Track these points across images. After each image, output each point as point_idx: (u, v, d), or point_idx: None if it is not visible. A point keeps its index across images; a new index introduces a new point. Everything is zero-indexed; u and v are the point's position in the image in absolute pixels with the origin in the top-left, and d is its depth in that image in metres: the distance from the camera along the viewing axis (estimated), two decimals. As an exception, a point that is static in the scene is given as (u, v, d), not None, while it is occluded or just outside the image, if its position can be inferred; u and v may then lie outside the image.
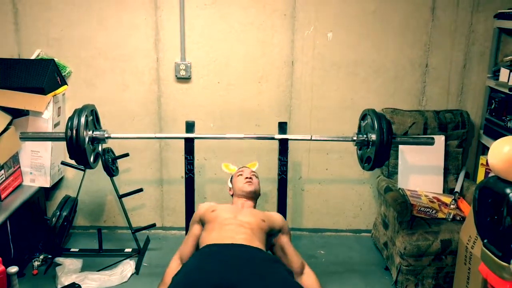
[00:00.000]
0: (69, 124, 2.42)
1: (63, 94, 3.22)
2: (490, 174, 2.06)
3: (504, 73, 3.05)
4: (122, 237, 3.47)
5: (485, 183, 1.98)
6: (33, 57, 3.17)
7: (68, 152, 2.47)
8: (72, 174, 3.41)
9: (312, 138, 2.75)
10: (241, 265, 1.93)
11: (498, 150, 1.89)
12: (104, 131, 2.57)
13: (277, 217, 2.50)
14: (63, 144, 2.52)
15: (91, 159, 2.55)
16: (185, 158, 2.70)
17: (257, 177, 2.69)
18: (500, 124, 3.10)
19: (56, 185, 3.42)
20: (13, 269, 2.08)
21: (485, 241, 1.99)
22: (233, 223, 2.28)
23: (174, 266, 2.37)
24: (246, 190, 2.54)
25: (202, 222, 2.37)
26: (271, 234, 2.36)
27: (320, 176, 3.49)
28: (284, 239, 2.42)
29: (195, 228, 2.43)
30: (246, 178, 2.58)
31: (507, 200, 1.82)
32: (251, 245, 2.09)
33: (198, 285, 1.86)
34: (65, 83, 3.21)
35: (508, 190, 1.82)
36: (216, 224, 2.29)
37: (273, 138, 2.74)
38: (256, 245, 2.14)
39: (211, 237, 2.21)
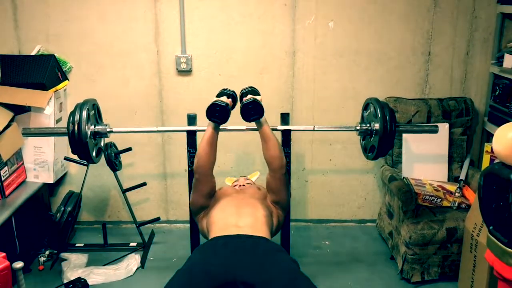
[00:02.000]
0: (71, 118, 2.41)
1: (65, 90, 3.22)
2: (495, 161, 2.04)
3: (508, 59, 3.02)
4: (127, 232, 3.48)
5: (490, 169, 1.97)
6: (33, 53, 3.16)
7: (71, 147, 2.46)
8: (75, 170, 3.42)
9: (315, 128, 2.73)
10: (245, 258, 1.93)
11: (502, 136, 1.87)
12: (106, 125, 2.56)
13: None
14: (66, 139, 2.51)
15: (94, 154, 2.55)
16: (188, 151, 2.69)
17: (251, 184, 2.68)
18: (504, 110, 3.07)
19: (60, 181, 3.42)
20: (18, 264, 2.08)
21: (490, 228, 1.97)
22: (237, 197, 2.39)
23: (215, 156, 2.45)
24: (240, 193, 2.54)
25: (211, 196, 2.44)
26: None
27: (324, 167, 3.48)
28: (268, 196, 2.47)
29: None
30: (240, 186, 2.61)
31: (512, 186, 1.81)
32: (255, 235, 2.09)
33: (202, 278, 1.85)
34: (66, 79, 3.20)
35: (513, 176, 1.81)
36: (221, 199, 2.37)
37: (275, 130, 2.72)
38: (260, 230, 2.15)
39: (217, 219, 2.22)
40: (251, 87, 2.60)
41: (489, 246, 2.01)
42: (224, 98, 2.43)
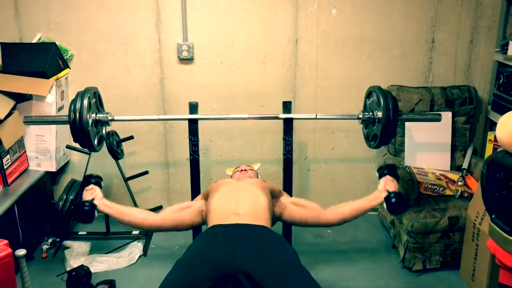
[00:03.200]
0: (72, 107, 2.41)
1: (66, 78, 3.20)
2: (499, 150, 2.03)
3: (512, 47, 2.99)
4: (129, 220, 3.48)
5: (493, 157, 1.96)
6: (34, 41, 3.14)
7: (72, 135, 2.46)
8: (77, 158, 3.42)
9: (317, 117, 2.72)
10: (245, 249, 1.92)
11: (506, 124, 1.86)
12: (108, 113, 2.56)
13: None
14: (67, 127, 2.51)
15: (95, 142, 2.55)
16: (189, 139, 2.68)
17: (253, 170, 2.67)
18: (508, 99, 3.05)
19: (62, 169, 3.43)
20: (21, 252, 2.09)
21: (493, 216, 1.97)
22: (237, 185, 2.34)
23: (139, 212, 2.37)
24: (240, 179, 2.52)
25: (207, 195, 2.37)
26: (273, 195, 2.36)
27: (326, 156, 3.47)
28: (288, 198, 2.42)
29: (192, 202, 2.42)
30: (241, 170, 2.60)
31: (515, 175, 1.80)
32: (256, 224, 2.08)
33: (203, 269, 1.85)
34: (67, 67, 3.19)
35: (516, 164, 1.80)
36: (220, 187, 2.32)
37: (277, 118, 2.72)
38: (261, 218, 2.14)
39: (216, 207, 2.20)
40: (391, 165, 2.43)
41: (491, 234, 2.01)
42: (85, 194, 2.35)
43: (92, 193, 2.35)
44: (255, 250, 1.91)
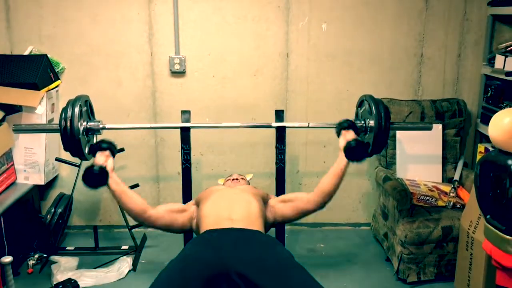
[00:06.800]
0: (63, 114, 2.38)
1: (57, 91, 3.19)
2: (491, 150, 2.04)
3: (499, 60, 3.05)
4: (119, 236, 3.41)
5: (486, 157, 1.96)
6: (25, 54, 3.14)
7: (63, 144, 2.42)
8: (66, 172, 3.36)
9: (310, 125, 2.73)
10: (239, 249, 1.89)
11: (498, 122, 1.88)
12: (99, 121, 2.53)
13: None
14: (57, 140, 2.48)
15: (86, 151, 2.51)
16: (182, 148, 2.66)
17: (245, 179, 2.65)
18: (497, 111, 3.06)
19: (51, 184, 3.37)
20: (7, 259, 2.02)
21: (488, 216, 1.96)
22: (229, 191, 2.32)
23: (140, 201, 2.27)
24: (232, 187, 2.50)
25: (198, 203, 2.33)
26: (263, 201, 2.34)
27: (318, 169, 3.46)
28: (275, 198, 2.41)
29: (185, 206, 2.38)
30: (233, 179, 2.59)
31: (509, 172, 1.80)
32: (249, 228, 2.05)
33: (196, 268, 1.81)
34: (58, 79, 3.17)
35: (510, 162, 1.81)
36: (212, 194, 2.29)
37: (270, 126, 2.72)
38: (254, 223, 2.11)
39: (208, 213, 2.17)
40: (349, 120, 2.45)
41: (486, 235, 1.99)
42: (98, 157, 2.24)
43: (106, 158, 2.23)
44: (249, 252, 1.88)
